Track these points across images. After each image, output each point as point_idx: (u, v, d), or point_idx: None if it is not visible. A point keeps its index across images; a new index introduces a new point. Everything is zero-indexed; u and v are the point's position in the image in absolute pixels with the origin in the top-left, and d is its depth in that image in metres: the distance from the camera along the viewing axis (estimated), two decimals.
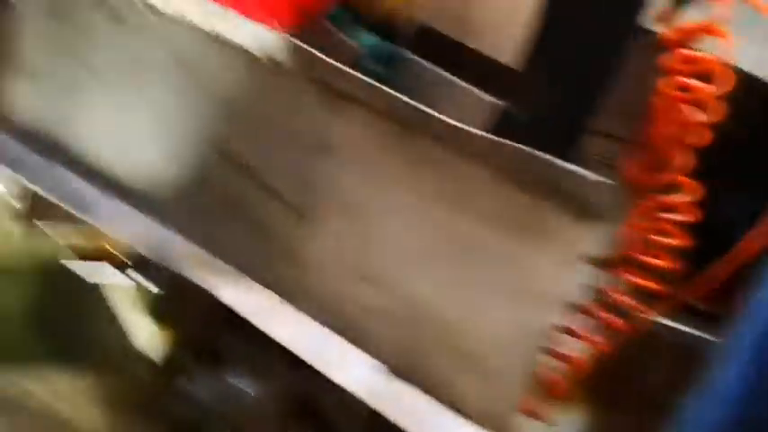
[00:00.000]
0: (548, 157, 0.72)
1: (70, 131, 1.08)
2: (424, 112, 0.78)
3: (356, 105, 0.83)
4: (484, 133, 0.76)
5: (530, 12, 0.77)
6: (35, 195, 1.19)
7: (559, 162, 0.72)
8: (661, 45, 0.70)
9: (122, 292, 1.30)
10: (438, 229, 0.82)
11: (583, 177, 0.71)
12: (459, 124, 0.76)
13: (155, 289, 1.23)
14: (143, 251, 1.03)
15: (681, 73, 0.69)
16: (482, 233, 0.80)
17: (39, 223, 1.33)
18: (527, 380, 0.81)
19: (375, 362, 0.88)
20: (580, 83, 0.76)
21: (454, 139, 0.77)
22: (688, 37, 0.69)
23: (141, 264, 1.24)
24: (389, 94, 0.80)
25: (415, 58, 0.90)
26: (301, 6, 0.93)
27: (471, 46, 0.86)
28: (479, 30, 0.86)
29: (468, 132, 0.76)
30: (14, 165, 1.11)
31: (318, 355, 0.90)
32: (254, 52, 0.89)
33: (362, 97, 0.82)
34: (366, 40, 0.91)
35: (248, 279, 0.96)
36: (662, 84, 0.70)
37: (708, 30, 0.68)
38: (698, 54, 0.70)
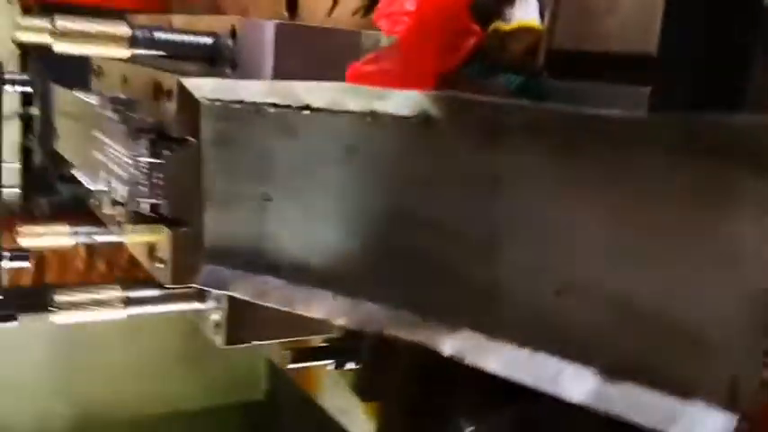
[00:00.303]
0: (713, 115, 0.73)
1: (263, 242, 1.20)
2: (582, 114, 0.81)
3: (515, 132, 0.88)
4: (648, 114, 0.79)
5: None
6: None
7: (725, 116, 0.72)
8: None
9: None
10: (624, 223, 0.83)
11: (754, 126, 0.71)
12: (621, 113, 0.79)
13: (354, 366, 1.29)
14: (348, 325, 1.10)
15: None
16: (668, 215, 0.80)
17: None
18: (758, 349, 0.79)
19: (592, 369, 0.89)
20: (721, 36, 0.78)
21: (619, 130, 0.79)
22: None
23: (340, 347, 1.31)
24: (545, 107, 0.85)
25: (560, 81, 0.96)
26: (440, 68, 1.03)
27: (602, 50, 0.91)
28: (604, 33, 0.91)
29: (632, 117, 0.78)
30: (223, 286, 1.25)
31: (537, 378, 0.92)
32: (409, 117, 0.98)
33: (520, 122, 0.87)
34: (511, 79, 0.97)
35: (449, 326, 1.01)
36: None
37: None
38: None
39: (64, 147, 1.98)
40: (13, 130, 2.17)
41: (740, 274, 0.77)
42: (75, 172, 1.78)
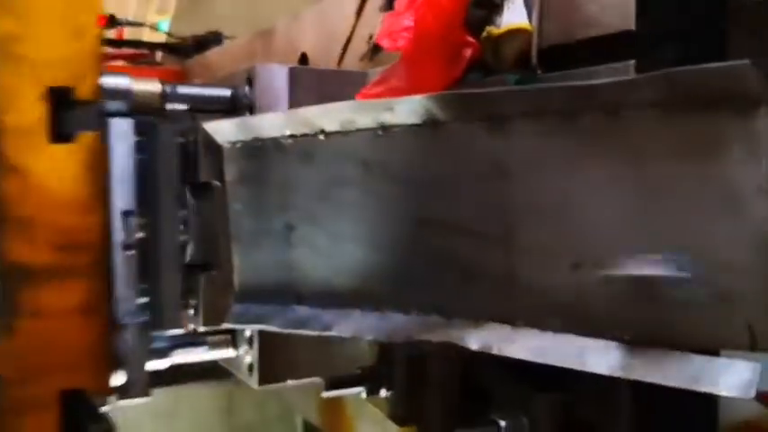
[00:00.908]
0: (690, 66, 0.78)
1: (289, 273, 1.25)
2: (575, 87, 0.87)
3: (517, 118, 0.94)
4: (639, 75, 0.84)
5: None
6: None
7: (712, 65, 0.76)
8: None
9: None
10: (627, 188, 0.87)
11: (740, 68, 0.74)
12: (609, 79, 0.84)
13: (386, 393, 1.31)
14: (377, 338, 1.13)
15: None
16: (665, 172, 0.84)
17: None
18: None
19: (615, 342, 0.91)
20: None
21: (613, 95, 0.84)
22: None
23: (372, 374, 1.32)
24: (543, 88, 0.91)
25: (554, 73, 1.02)
26: (444, 80, 1.10)
27: (588, 36, 0.98)
28: (588, 20, 0.98)
29: (619, 81, 0.84)
30: (253, 323, 1.29)
31: (563, 358, 0.93)
32: (417, 124, 1.04)
33: (520, 107, 0.93)
34: (510, 77, 1.04)
35: (474, 322, 1.03)
36: None
37: None
38: None
39: None
40: None
41: (744, 218, 0.80)
42: None
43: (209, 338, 1.41)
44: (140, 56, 2.94)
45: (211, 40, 2.58)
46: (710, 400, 1.04)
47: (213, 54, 2.42)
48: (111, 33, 2.92)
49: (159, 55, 2.97)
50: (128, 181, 1.20)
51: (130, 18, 3.12)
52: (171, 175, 1.26)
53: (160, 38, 3.12)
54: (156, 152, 1.24)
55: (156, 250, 1.25)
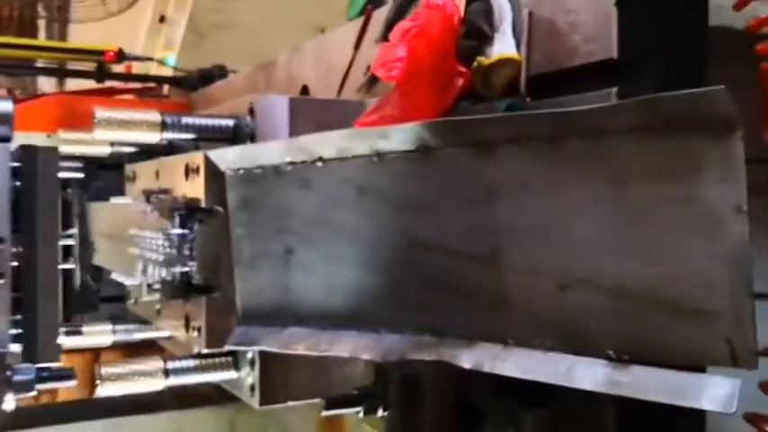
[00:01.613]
0: (668, 92, 0.83)
1: (288, 296, 1.28)
2: (560, 113, 0.91)
3: (504, 143, 0.98)
4: (619, 101, 0.88)
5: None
6: None
7: (689, 91, 0.80)
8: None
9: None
10: (613, 210, 0.91)
11: (715, 93, 0.78)
12: (592, 106, 0.88)
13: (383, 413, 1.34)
14: (372, 358, 1.16)
15: None
16: (644, 193, 0.88)
17: None
18: (747, 309, 0.84)
19: (601, 359, 0.94)
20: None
21: (596, 121, 0.88)
22: None
23: (368, 394, 1.35)
24: (528, 114, 0.95)
25: (542, 101, 1.07)
26: (436, 109, 1.14)
27: (573, 65, 1.02)
28: (572, 49, 1.02)
29: (601, 107, 0.88)
30: (253, 344, 1.32)
31: (551, 375, 0.96)
32: (410, 150, 1.08)
33: (507, 132, 0.97)
34: (499, 104, 1.08)
35: (466, 341, 1.06)
36: None
37: None
38: None
39: (102, 258, 2.10)
40: None
41: (719, 238, 0.84)
42: (113, 276, 1.89)
43: (210, 361, 1.43)
44: (148, 89, 3.01)
45: (216, 73, 2.64)
46: (697, 418, 1.07)
47: (217, 87, 2.48)
48: (120, 68, 2.99)
49: (166, 88, 3.04)
50: (2, 207, 1.16)
51: (139, 53, 3.19)
52: (52, 203, 1.23)
53: (167, 72, 3.19)
54: (36, 179, 1.20)
55: (34, 280, 1.21)
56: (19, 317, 1.20)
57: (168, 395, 2.40)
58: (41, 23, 5.42)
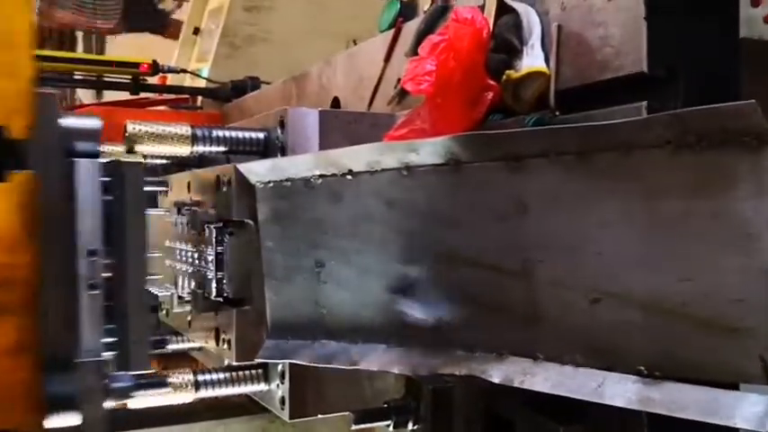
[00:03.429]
0: (700, 107, 0.82)
1: (319, 309, 1.29)
2: (590, 127, 0.90)
3: (535, 157, 0.97)
4: (649, 115, 0.87)
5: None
6: None
7: (719, 105, 0.79)
8: None
9: None
10: (645, 224, 0.90)
11: (746, 108, 0.78)
12: (623, 120, 0.87)
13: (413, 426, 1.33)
14: (402, 371, 1.16)
15: None
16: (677, 208, 0.87)
17: None
18: None
19: (632, 375, 0.92)
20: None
21: (626, 135, 0.87)
22: None
23: (399, 407, 1.35)
24: (558, 128, 0.94)
25: (572, 115, 1.06)
26: (466, 123, 1.14)
27: (603, 78, 1.02)
28: (602, 63, 1.02)
29: (632, 122, 0.87)
30: (284, 357, 1.32)
31: (581, 391, 0.95)
32: (440, 164, 1.08)
33: (538, 147, 0.96)
34: (528, 118, 1.08)
35: (496, 355, 1.06)
36: None
37: None
38: None
39: None
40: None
41: (754, 253, 0.82)
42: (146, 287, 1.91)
43: (241, 373, 1.44)
44: (182, 101, 3.04)
45: (249, 85, 2.67)
46: None
47: (250, 98, 2.51)
48: (155, 80, 3.03)
49: (200, 100, 3.08)
50: (94, 220, 1.20)
51: (173, 65, 3.24)
52: (139, 216, 1.26)
53: (201, 84, 3.23)
54: (124, 193, 1.24)
55: (125, 289, 1.25)
56: (111, 326, 1.24)
57: (201, 405, 2.41)
58: (79, 36, 5.54)
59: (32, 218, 1.19)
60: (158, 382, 1.38)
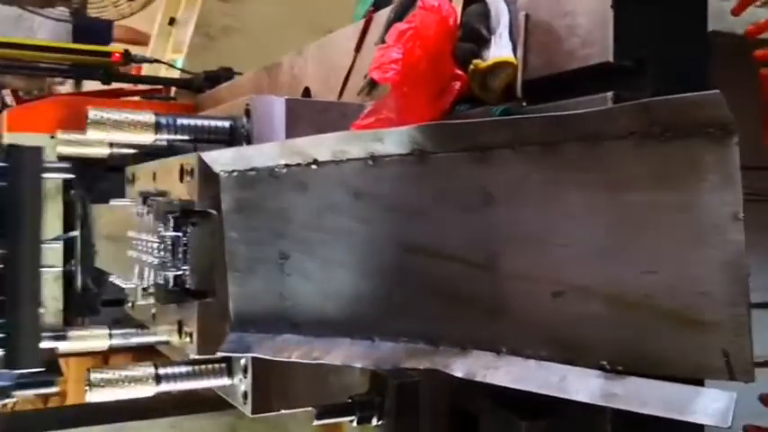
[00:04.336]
0: (666, 96, 0.80)
1: (283, 302, 1.26)
2: (556, 116, 0.88)
3: (501, 149, 0.96)
4: (615, 105, 0.86)
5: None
6: None
7: (685, 95, 0.78)
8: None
9: None
10: (609, 216, 0.88)
11: (711, 97, 0.76)
12: (588, 109, 0.86)
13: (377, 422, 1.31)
14: (365, 366, 1.14)
15: None
16: (641, 200, 0.85)
17: None
18: (744, 320, 0.81)
19: (595, 369, 0.91)
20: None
21: (591, 125, 0.86)
22: None
23: (363, 403, 1.33)
24: (523, 118, 0.93)
25: (539, 105, 1.04)
26: (433, 112, 1.12)
27: (570, 68, 1.00)
28: (569, 53, 1.00)
29: (597, 111, 0.85)
30: (246, 350, 1.30)
31: (544, 385, 0.94)
32: (406, 154, 1.06)
33: (503, 137, 0.95)
34: (495, 109, 1.06)
35: (460, 349, 1.04)
36: None
37: None
38: None
39: (102, 261, 2.09)
40: (54, 256, 2.28)
41: (718, 246, 0.81)
42: (112, 279, 1.88)
43: (204, 367, 1.41)
44: (155, 91, 3.00)
45: (222, 75, 2.64)
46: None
47: (223, 89, 2.48)
48: (128, 70, 2.99)
49: (173, 90, 3.04)
50: None
51: (148, 55, 3.19)
52: (36, 204, 1.21)
53: (175, 74, 3.19)
54: (21, 179, 1.19)
55: (15, 284, 1.20)
56: (2, 321, 1.16)
57: (169, 400, 2.38)
58: None
59: None
60: (44, 382, 1.32)
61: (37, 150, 1.18)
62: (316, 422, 1.30)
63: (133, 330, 1.85)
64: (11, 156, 1.16)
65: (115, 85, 2.86)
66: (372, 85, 1.44)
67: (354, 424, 1.30)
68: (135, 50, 2.84)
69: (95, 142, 1.51)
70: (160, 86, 2.94)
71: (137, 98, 2.94)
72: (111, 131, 1.31)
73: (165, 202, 1.40)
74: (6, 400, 1.26)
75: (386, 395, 1.29)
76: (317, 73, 1.77)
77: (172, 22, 3.52)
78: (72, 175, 1.59)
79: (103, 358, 2.36)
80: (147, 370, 1.40)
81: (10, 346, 1.18)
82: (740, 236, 0.80)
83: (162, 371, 1.41)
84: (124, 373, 1.39)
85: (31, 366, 1.23)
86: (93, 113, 1.28)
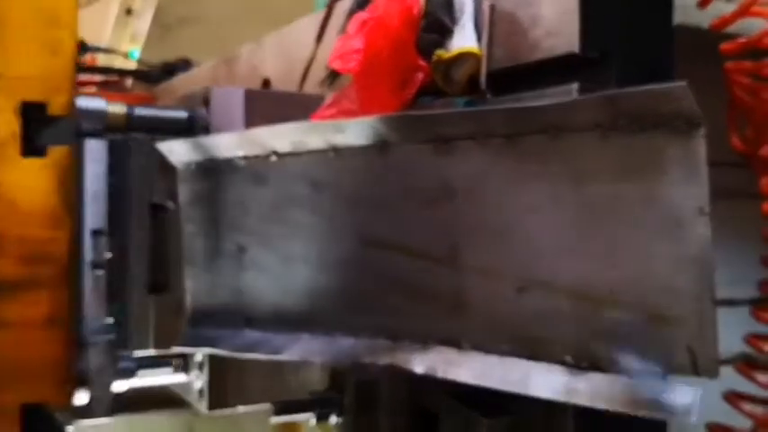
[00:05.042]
0: (631, 88, 0.79)
1: (241, 297, 1.23)
2: (518, 108, 0.87)
3: (463, 141, 0.94)
4: (578, 97, 0.85)
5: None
6: None
7: (650, 87, 0.77)
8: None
9: None
10: (573, 210, 0.87)
11: (676, 90, 0.75)
12: (551, 100, 0.84)
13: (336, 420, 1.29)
14: (324, 362, 1.11)
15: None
16: (605, 193, 0.84)
17: None
18: (710, 316, 0.80)
19: (559, 365, 0.90)
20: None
21: (554, 117, 0.84)
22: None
23: (322, 400, 1.31)
24: (485, 110, 0.91)
25: (503, 97, 1.03)
26: (396, 104, 1.10)
27: (534, 59, 0.99)
28: (533, 44, 0.99)
29: (560, 103, 0.84)
30: (203, 346, 1.26)
31: (506, 382, 0.92)
32: (367, 145, 1.04)
33: (466, 129, 0.93)
34: (459, 100, 1.04)
35: (421, 345, 1.02)
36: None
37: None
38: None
39: None
40: None
41: (683, 241, 0.80)
42: None
43: (159, 363, 1.38)
44: (111, 82, 2.93)
45: (179, 66, 2.58)
46: (659, 429, 1.03)
47: (179, 80, 2.42)
48: (83, 59, 2.91)
49: (130, 81, 2.97)
50: (99, 201, 1.23)
51: (104, 45, 3.12)
52: (142, 197, 1.28)
53: (132, 65, 3.11)
54: (129, 173, 1.26)
55: (126, 270, 1.26)
56: (114, 305, 1.26)
57: (124, 398, 2.32)
58: None
59: (69, 193, 1.23)
60: (161, 363, 1.35)
61: (143, 144, 1.24)
62: (273, 419, 1.28)
63: None
64: (119, 151, 1.26)
65: None
66: (334, 75, 1.41)
67: (313, 421, 1.28)
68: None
69: None
70: (116, 77, 2.87)
71: (92, 89, 2.86)
72: None
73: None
74: (130, 381, 1.32)
75: (345, 392, 1.27)
76: (276, 64, 1.73)
77: (129, 12, 3.44)
78: None
79: None
80: None
81: (122, 330, 1.27)
82: (706, 230, 0.79)
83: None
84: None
85: (143, 348, 1.32)
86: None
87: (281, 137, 1.11)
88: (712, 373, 0.81)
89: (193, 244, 1.27)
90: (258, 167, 1.17)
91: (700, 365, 0.81)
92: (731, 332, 1.10)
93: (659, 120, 0.79)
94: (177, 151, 1.24)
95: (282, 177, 1.14)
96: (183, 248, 1.27)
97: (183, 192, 1.26)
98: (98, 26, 3.76)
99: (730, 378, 1.11)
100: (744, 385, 1.11)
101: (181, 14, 3.19)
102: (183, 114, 1.34)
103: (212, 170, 1.22)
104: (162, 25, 3.19)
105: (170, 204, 1.28)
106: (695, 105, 0.76)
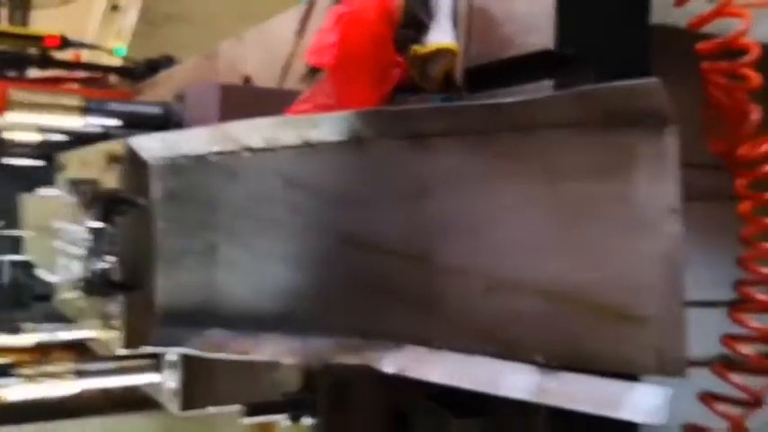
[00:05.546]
0: (611, 84, 0.77)
1: (213, 295, 1.21)
2: (492, 104, 0.85)
3: (438, 137, 0.93)
4: (551, 93, 0.83)
5: None
6: None
7: (622, 83, 0.76)
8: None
9: None
10: (545, 208, 0.86)
11: (648, 86, 0.74)
12: (524, 97, 0.83)
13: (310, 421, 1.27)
14: (296, 362, 1.10)
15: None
16: (576, 190, 0.83)
17: None
18: (678, 316, 0.79)
19: (530, 365, 0.88)
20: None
21: (526, 114, 0.83)
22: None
23: (296, 401, 1.29)
24: (459, 106, 0.90)
25: (480, 94, 1.01)
26: (371, 99, 1.08)
27: (508, 55, 0.97)
28: (507, 39, 0.98)
29: (534, 99, 0.83)
30: (175, 345, 1.24)
31: (477, 382, 0.91)
32: (342, 141, 1.02)
33: (441, 125, 0.91)
34: (435, 97, 1.03)
35: (392, 344, 1.00)
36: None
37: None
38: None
39: (31, 252, 2.01)
40: None
41: (652, 240, 0.79)
42: (38, 272, 1.80)
43: (130, 363, 1.35)
44: (94, 79, 2.90)
45: (163, 63, 2.56)
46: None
47: (162, 77, 2.40)
48: (66, 55, 2.88)
49: (115, 78, 2.94)
50: None
51: (89, 41, 3.09)
52: None
53: (117, 62, 3.09)
54: None
55: None
56: None
57: (101, 399, 2.30)
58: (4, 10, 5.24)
59: None
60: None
61: None
62: (245, 420, 1.26)
63: (59, 325, 1.77)
64: None
65: (54, 73, 2.76)
66: (314, 71, 1.39)
67: (287, 422, 1.26)
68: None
69: (23, 127, 1.43)
70: (99, 74, 2.85)
71: (75, 86, 2.84)
72: (34, 113, 1.24)
73: (91, 190, 1.33)
74: None
75: (319, 393, 1.25)
76: (257, 59, 1.71)
77: (115, 8, 3.42)
78: None
79: (42, 355, 2.27)
80: (67, 366, 1.33)
81: None
82: (676, 229, 0.78)
83: (82, 367, 1.34)
84: (42, 369, 1.32)
85: None
86: (15, 94, 1.21)
87: (253, 132, 1.09)
88: (680, 373, 0.80)
89: (165, 241, 1.24)
90: (231, 163, 1.15)
91: (667, 365, 0.80)
92: (710, 334, 1.10)
93: (631, 116, 0.77)
94: (148, 146, 1.22)
95: (255, 173, 1.12)
96: (154, 246, 1.25)
97: (156, 188, 1.24)
98: (83, 22, 3.73)
99: (710, 380, 1.10)
100: (723, 386, 1.10)
101: (167, 11, 3.16)
102: (157, 109, 1.33)
103: (184, 166, 1.20)
104: (149, 22, 3.17)
105: (141, 200, 1.26)
106: (668, 102, 0.75)
